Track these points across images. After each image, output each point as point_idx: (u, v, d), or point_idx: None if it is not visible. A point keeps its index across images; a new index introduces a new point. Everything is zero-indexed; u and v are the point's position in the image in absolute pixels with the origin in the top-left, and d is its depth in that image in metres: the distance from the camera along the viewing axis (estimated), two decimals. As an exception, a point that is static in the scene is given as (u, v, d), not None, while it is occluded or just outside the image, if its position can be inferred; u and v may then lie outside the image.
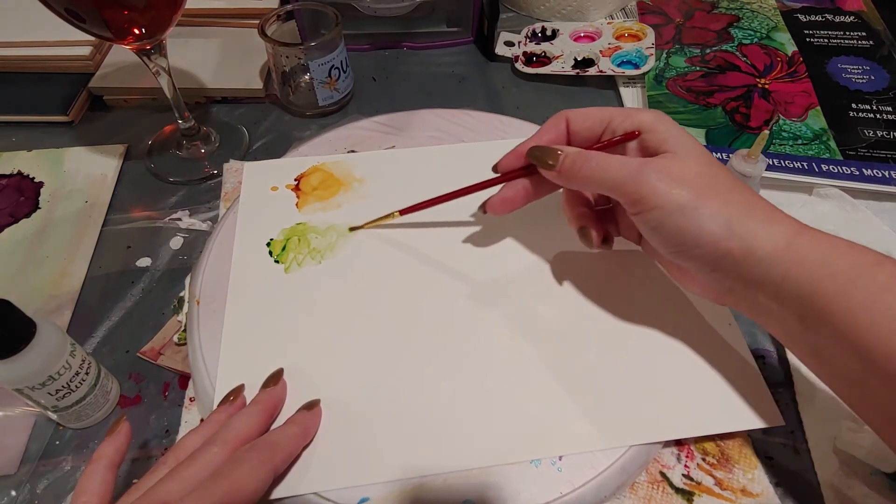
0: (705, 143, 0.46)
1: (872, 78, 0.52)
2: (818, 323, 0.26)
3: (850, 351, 0.25)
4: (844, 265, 0.25)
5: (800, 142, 0.46)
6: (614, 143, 0.32)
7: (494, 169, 0.36)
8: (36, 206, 0.45)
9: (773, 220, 0.27)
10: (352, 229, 0.39)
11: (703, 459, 0.31)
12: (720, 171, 0.29)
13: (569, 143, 0.34)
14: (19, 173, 0.47)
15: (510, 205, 0.35)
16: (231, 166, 0.46)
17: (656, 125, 0.31)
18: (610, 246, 0.34)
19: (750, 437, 0.32)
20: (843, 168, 0.44)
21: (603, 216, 0.35)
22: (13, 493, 0.31)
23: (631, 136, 0.31)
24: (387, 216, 0.38)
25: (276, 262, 0.38)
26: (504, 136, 0.47)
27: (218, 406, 0.30)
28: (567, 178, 0.32)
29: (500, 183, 0.35)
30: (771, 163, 0.44)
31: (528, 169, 0.34)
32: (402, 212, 0.38)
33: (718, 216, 0.27)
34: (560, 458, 0.30)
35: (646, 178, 0.28)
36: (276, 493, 0.28)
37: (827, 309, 0.25)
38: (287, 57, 0.48)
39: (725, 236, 0.27)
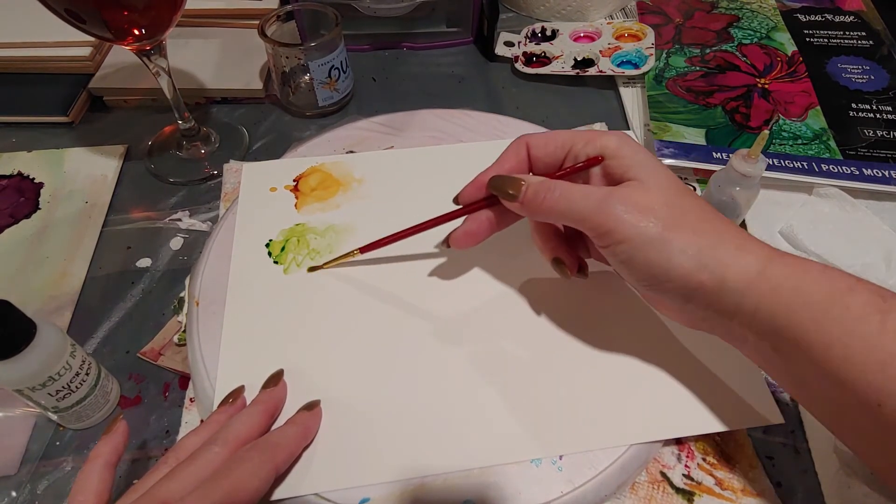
0: (705, 143, 0.46)
1: (872, 78, 0.52)
2: (794, 353, 0.25)
3: (826, 380, 0.25)
4: (818, 293, 0.25)
5: (800, 142, 0.46)
6: (577, 170, 0.31)
7: (455, 200, 0.34)
8: (36, 207, 0.45)
9: (743, 248, 0.27)
10: (310, 269, 0.38)
11: (704, 459, 0.31)
12: (687, 199, 0.28)
13: (531, 171, 0.33)
14: (19, 174, 0.47)
15: (474, 238, 0.33)
16: (231, 167, 0.46)
17: (619, 150, 0.29)
18: (585, 275, 0.33)
19: (750, 436, 0.32)
20: (843, 168, 0.44)
21: (573, 240, 0.34)
22: (13, 493, 0.31)
23: (594, 161, 0.30)
24: (347, 255, 0.37)
25: (276, 262, 0.38)
26: (503, 136, 0.47)
27: (218, 407, 0.30)
28: (530, 209, 0.30)
29: (463, 215, 0.34)
30: (771, 163, 0.44)
31: (490, 199, 0.33)
32: (363, 249, 0.36)
33: (688, 248, 0.26)
34: (560, 457, 0.30)
35: (611, 209, 0.27)
36: (277, 494, 0.28)
37: (802, 339, 0.25)
38: (287, 57, 0.48)
39: (696, 269, 0.26)
